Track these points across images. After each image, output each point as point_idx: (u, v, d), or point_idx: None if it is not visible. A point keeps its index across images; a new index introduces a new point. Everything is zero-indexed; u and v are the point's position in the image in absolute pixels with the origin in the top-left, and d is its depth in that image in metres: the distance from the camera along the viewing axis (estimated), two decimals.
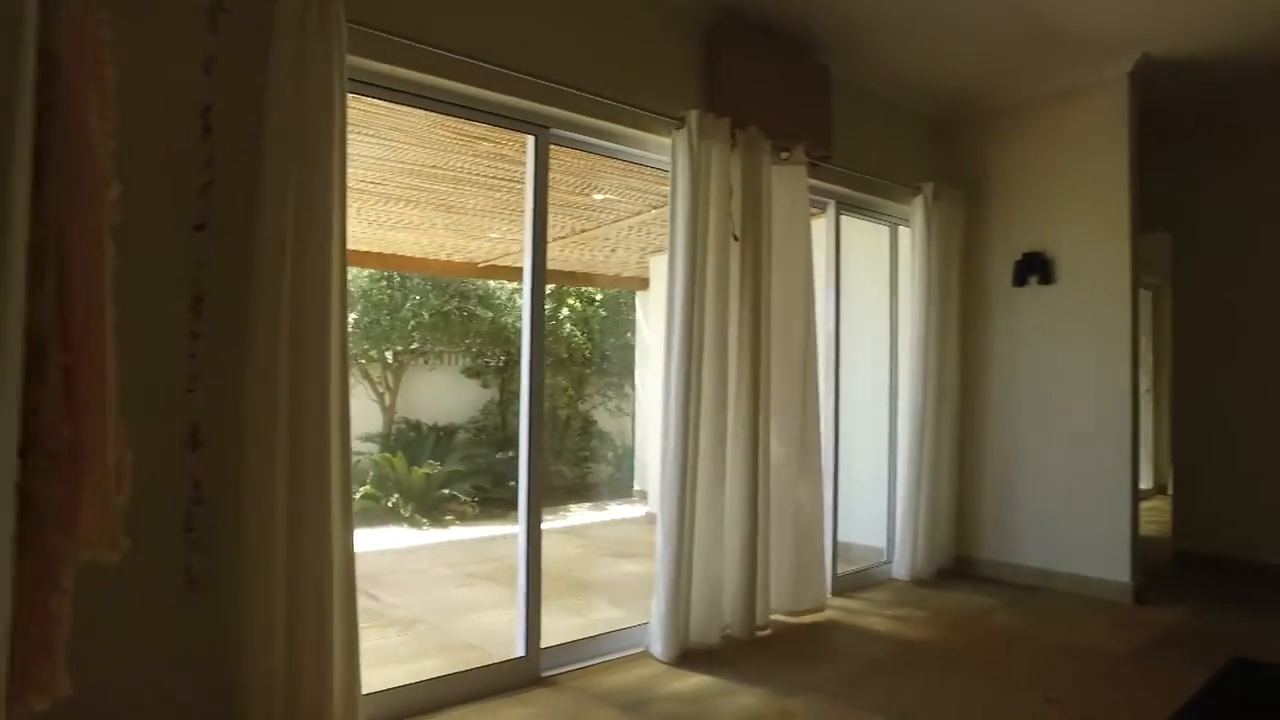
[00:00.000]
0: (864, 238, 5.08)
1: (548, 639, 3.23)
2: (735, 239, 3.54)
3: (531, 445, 3.18)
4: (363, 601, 4.67)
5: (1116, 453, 4.20)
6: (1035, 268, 4.48)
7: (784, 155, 3.83)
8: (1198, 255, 4.99)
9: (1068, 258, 4.42)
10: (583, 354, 9.79)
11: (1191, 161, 5.02)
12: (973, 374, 4.79)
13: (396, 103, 2.92)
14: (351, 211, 5.44)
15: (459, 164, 4.60)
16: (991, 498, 4.69)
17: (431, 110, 2.99)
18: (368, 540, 7.15)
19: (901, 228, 4.88)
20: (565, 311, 9.48)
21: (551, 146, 3.32)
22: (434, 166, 4.64)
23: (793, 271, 3.84)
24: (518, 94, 3.03)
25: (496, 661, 3.13)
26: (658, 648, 3.30)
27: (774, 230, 3.79)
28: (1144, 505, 8.02)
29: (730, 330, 3.52)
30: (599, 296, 9.72)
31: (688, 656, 3.32)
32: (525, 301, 3.19)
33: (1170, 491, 5.16)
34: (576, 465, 9.71)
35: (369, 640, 3.76)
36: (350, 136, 4.10)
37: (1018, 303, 4.61)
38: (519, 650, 3.14)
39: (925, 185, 4.58)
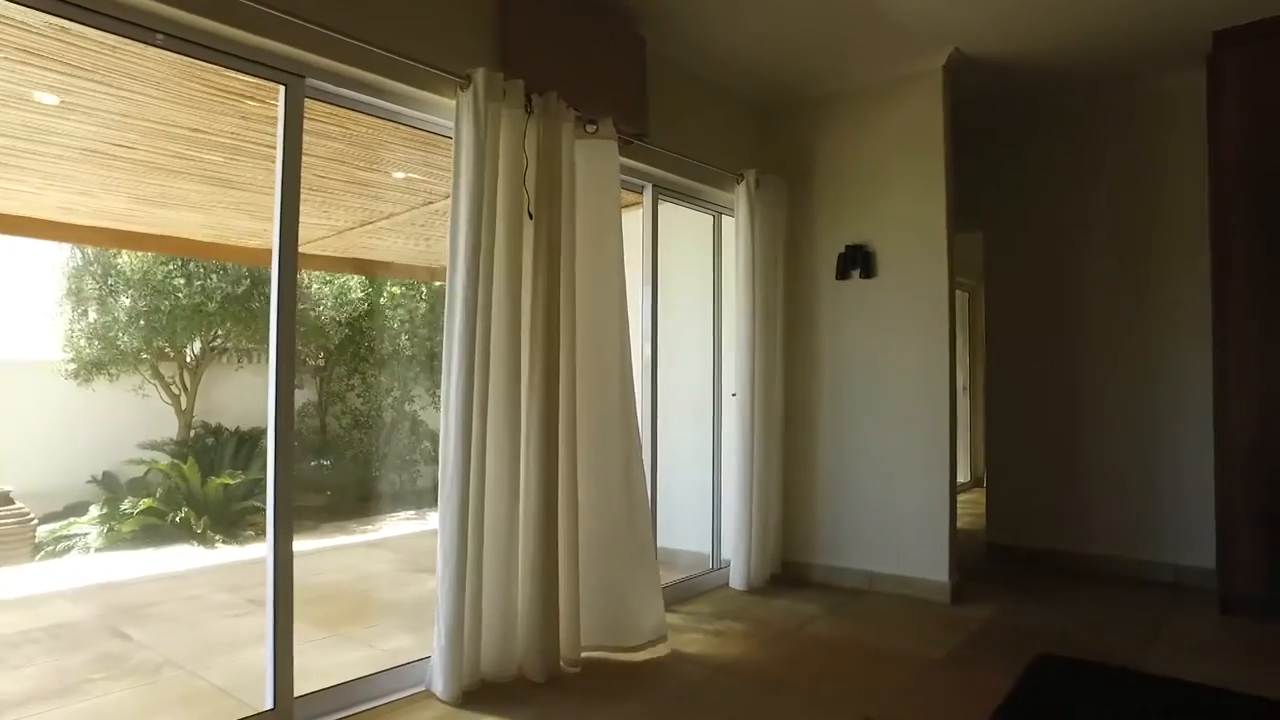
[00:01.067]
0: (688, 227, 4.83)
1: (316, 680, 2.75)
2: (530, 217, 3.14)
3: (278, 457, 2.65)
4: (109, 643, 4.01)
5: (935, 453, 4.13)
6: (858, 261, 4.36)
7: (591, 128, 3.47)
8: (1008, 256, 5.06)
9: (889, 252, 4.32)
10: (407, 351, 9.13)
11: (1003, 164, 5.08)
12: (800, 371, 4.62)
13: (97, 27, 2.32)
14: (102, 180, 4.67)
15: (227, 128, 3.95)
16: (821, 499, 4.53)
17: (152, 44, 2.41)
18: (140, 564, 6.27)
19: (725, 217, 4.65)
20: (386, 304, 8.80)
21: (313, 102, 2.82)
22: (196, 130, 3.96)
23: (603, 258, 3.48)
24: (264, 33, 2.51)
25: (239, 719, 2.59)
26: (439, 685, 2.86)
27: (581, 211, 3.42)
28: (962, 498, 8.30)
29: (525, 320, 3.11)
30: (426, 289, 9.10)
31: (475, 695, 2.89)
32: (273, 288, 2.66)
33: (986, 477, 5.20)
34: (402, 470, 9.04)
35: (88, 698, 3.10)
36: (73, 82, 3.47)
37: (842, 297, 4.48)
38: (267, 701, 2.62)
39: (748, 172, 4.36)
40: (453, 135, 2.95)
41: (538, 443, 3.09)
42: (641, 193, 4.18)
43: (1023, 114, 4.99)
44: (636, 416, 3.53)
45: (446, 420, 2.87)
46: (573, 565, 3.23)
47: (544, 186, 3.17)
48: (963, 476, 8.78)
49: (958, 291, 8.97)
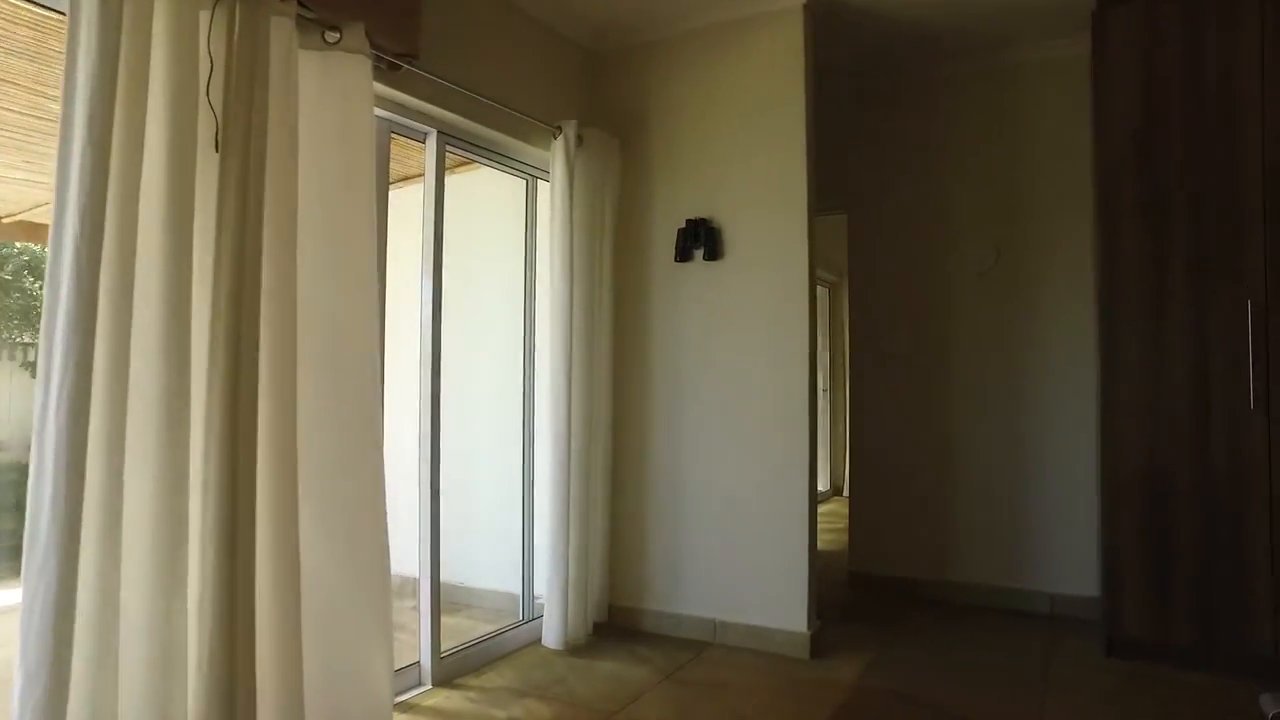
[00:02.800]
0: (497, 194, 3.90)
1: None
2: (216, 149, 2.12)
3: None
4: None
5: (793, 478, 3.38)
6: (701, 238, 3.56)
7: (332, 36, 2.48)
8: (875, 242, 4.42)
9: (738, 229, 3.54)
10: None
11: (871, 138, 4.44)
12: (631, 375, 3.78)
13: None
14: None
15: None
16: (655, 532, 3.70)
17: None
18: None
19: (542, 181, 3.75)
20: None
21: None
22: None
23: (344, 220, 2.50)
24: None
25: None
26: None
27: (312, 152, 2.42)
28: (821, 509, 7.88)
29: (198, 304, 2.08)
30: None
31: None
32: None
33: (849, 495, 4.54)
34: None
35: None
36: None
37: (683, 283, 3.66)
38: None
39: (567, 125, 3.46)
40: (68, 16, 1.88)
41: (216, 478, 2.06)
42: (424, 142, 3.21)
43: (893, 81, 4.36)
44: (379, 439, 2.57)
45: (41, 449, 1.80)
46: (249, 636, 2.23)
47: (239, 108, 2.14)
48: (822, 485, 8.28)
49: (818, 288, 8.51)
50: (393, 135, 3.02)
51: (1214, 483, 3.12)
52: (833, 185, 4.45)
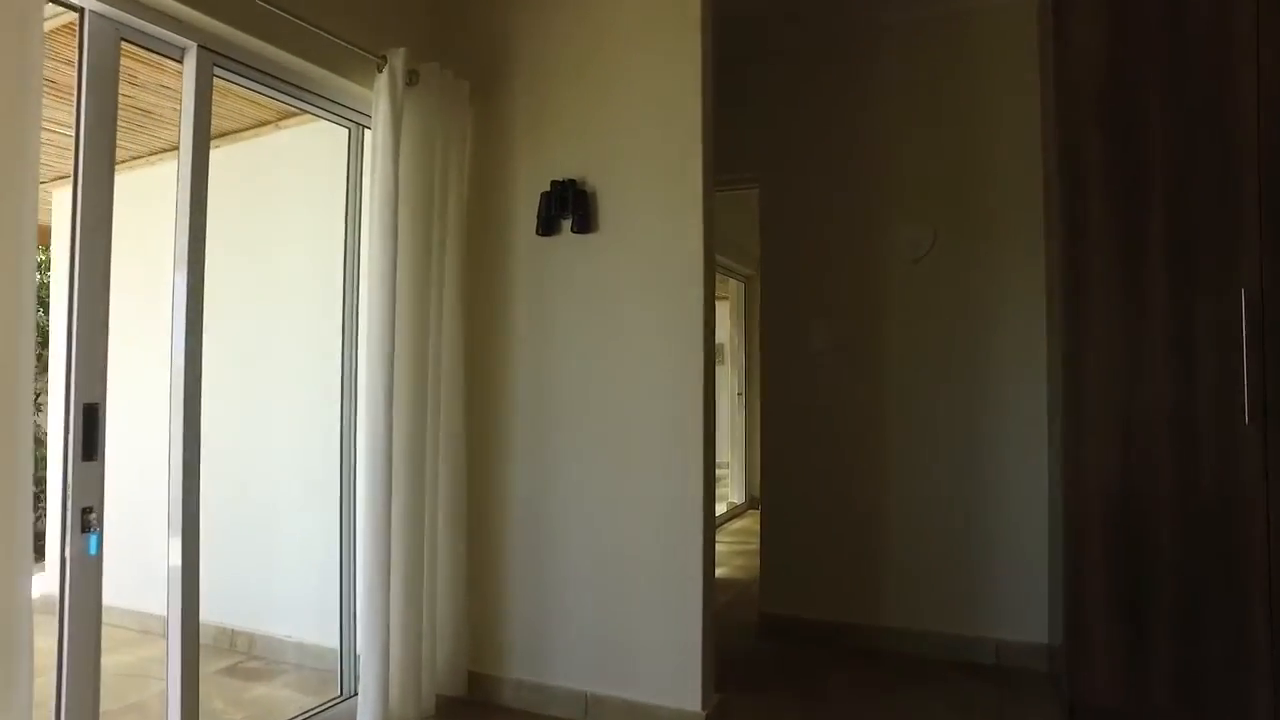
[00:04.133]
0: (311, 148, 3.06)
1: None
2: None
3: None
4: None
5: (686, 522, 2.62)
6: (569, 205, 2.77)
7: None
8: (794, 221, 3.72)
9: (617, 195, 2.78)
10: None
11: (787, 98, 3.75)
12: (491, 382, 2.97)
13: None
14: None
15: None
16: (518, 582, 2.91)
17: None
18: None
19: (369, 131, 2.91)
20: None
21: None
22: None
23: None
24: None
25: None
26: None
27: None
28: (733, 526, 7.12)
29: None
30: None
31: None
32: None
33: (761, 515, 3.84)
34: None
35: None
36: None
37: (547, 263, 2.87)
38: None
39: (394, 54, 2.63)
40: None
41: None
42: (180, 60, 2.34)
43: (819, 30, 3.68)
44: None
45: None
46: None
47: None
48: (737, 497, 7.60)
49: (733, 281, 7.82)
50: (125, 43, 2.14)
51: (1201, 514, 2.51)
52: (744, 151, 3.74)
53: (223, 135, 3.77)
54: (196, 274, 2.28)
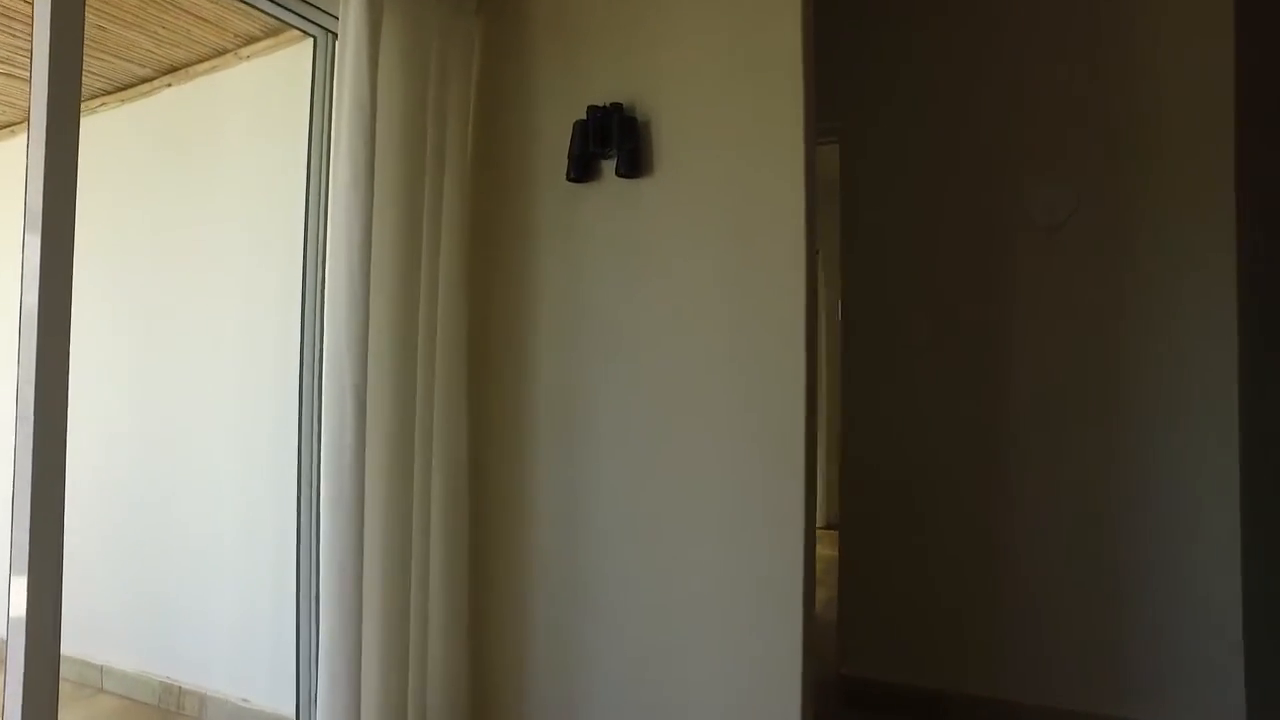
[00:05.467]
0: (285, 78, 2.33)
1: None
2: None
3: None
4: None
5: (773, 593, 1.84)
6: (611, 138, 2.00)
7: None
8: (887, 184, 2.93)
9: (678, 125, 2.00)
10: None
11: (885, 30, 2.97)
12: (494, 390, 2.20)
13: None
14: None
15: None
16: (538, 648, 2.15)
17: None
18: None
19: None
20: None
21: None
22: None
23: None
24: None
25: None
26: None
27: None
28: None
29: None
30: None
31: None
32: None
33: (840, 545, 3.07)
34: None
35: None
36: None
37: (582, 219, 2.10)
38: None
39: None
40: None
41: None
42: None
43: None
44: None
45: None
46: None
47: None
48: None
49: None
50: None
51: None
52: (820, 96, 2.96)
53: (173, 70, 3.05)
54: (60, 234, 1.54)
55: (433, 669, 2.12)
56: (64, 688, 3.52)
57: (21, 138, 3.62)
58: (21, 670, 1.50)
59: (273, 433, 2.58)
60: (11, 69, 3.18)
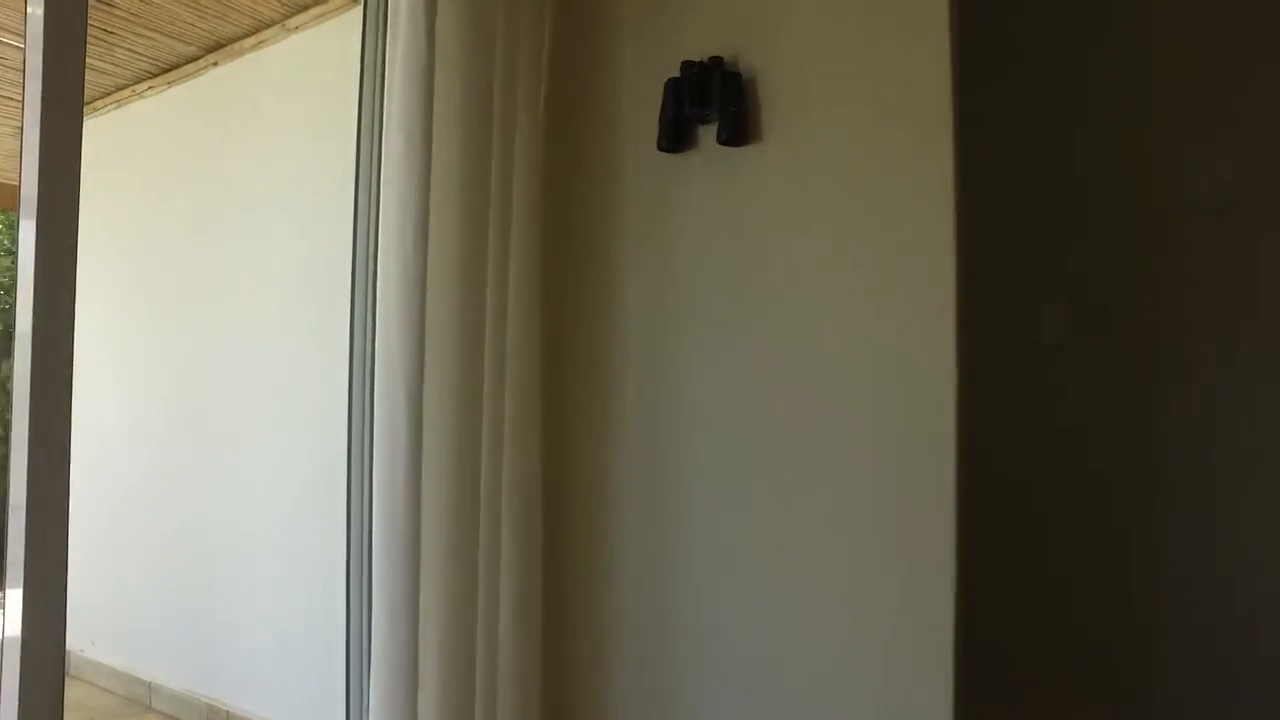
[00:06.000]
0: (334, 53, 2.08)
1: None
2: None
3: None
4: None
5: (915, 646, 1.51)
6: (711, 99, 1.66)
7: None
8: (1013, 149, 2.54)
9: (792, 82, 1.66)
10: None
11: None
12: (573, 398, 1.89)
13: None
14: None
15: None
16: (627, 655, 1.85)
17: None
18: None
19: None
20: None
21: None
22: None
23: None
24: None
25: None
26: None
27: None
28: None
29: None
30: None
31: None
32: None
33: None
34: None
35: None
36: None
37: (676, 195, 1.77)
38: None
39: None
40: None
41: None
42: None
43: None
44: None
45: None
46: None
47: None
48: None
49: None
50: None
51: None
52: None
53: (219, 47, 2.83)
54: (60, 219, 1.28)
55: (502, 714, 1.83)
56: (111, 702, 3.37)
57: (106, 115, 3.44)
58: (16, 698, 1.26)
59: (322, 439, 2.34)
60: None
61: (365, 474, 1.88)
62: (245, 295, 2.73)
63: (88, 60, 2.89)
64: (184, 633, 2.97)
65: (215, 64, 2.84)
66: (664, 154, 1.73)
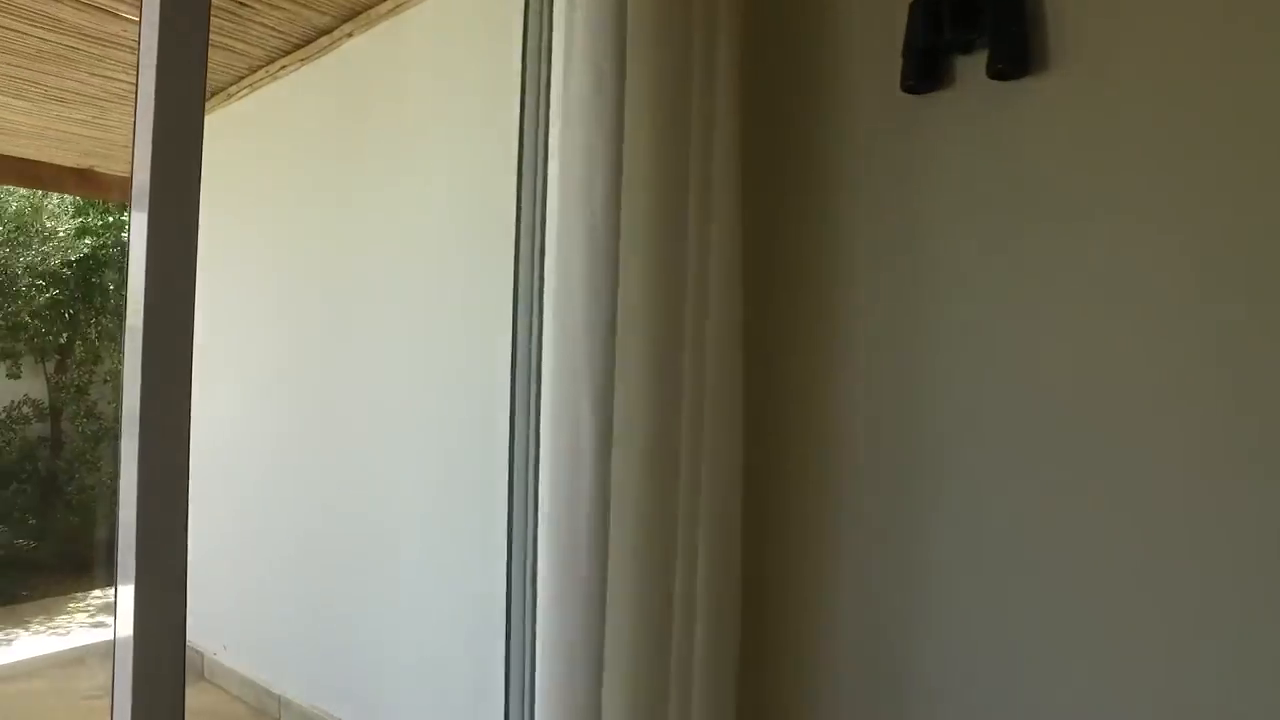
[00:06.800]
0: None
1: None
2: None
3: None
4: None
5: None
6: (974, 19, 1.28)
7: None
8: None
9: None
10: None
11: None
12: (781, 400, 1.54)
13: None
14: None
15: None
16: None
17: None
18: None
19: None
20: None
21: None
22: None
23: None
24: None
25: None
26: None
27: None
28: None
29: None
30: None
31: None
32: None
33: None
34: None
35: None
36: None
37: (925, 149, 1.38)
38: None
39: None
40: None
41: None
42: None
43: None
44: None
45: None
46: None
47: None
48: None
49: None
50: None
51: None
52: None
53: (353, 16, 2.62)
54: (179, 210, 1.02)
55: None
56: (240, 711, 3.24)
57: (238, 104, 3.34)
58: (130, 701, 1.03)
59: (475, 437, 2.08)
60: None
61: (530, 473, 1.59)
62: (390, 280, 2.51)
63: (221, 39, 2.69)
64: (318, 645, 2.79)
65: (350, 35, 2.64)
66: (909, 95, 1.35)
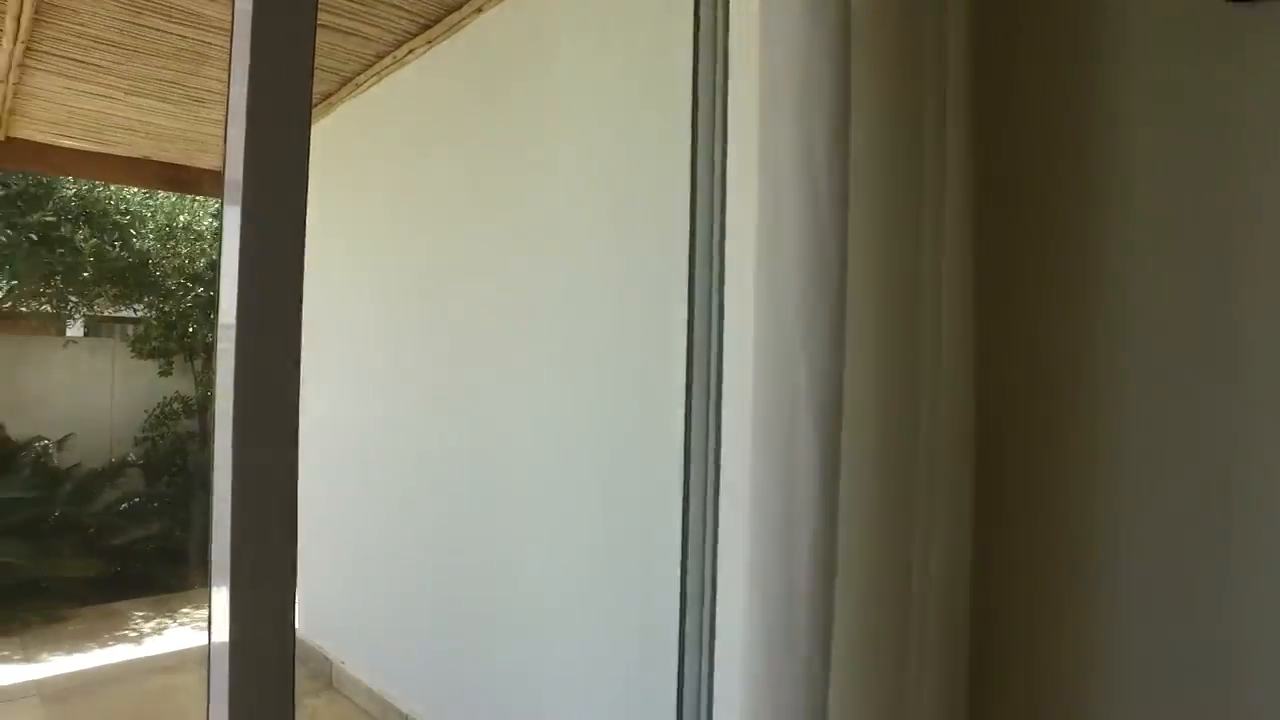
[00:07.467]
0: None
1: None
2: None
3: None
4: None
5: None
6: None
7: None
8: None
9: None
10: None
11: None
12: (1020, 391, 1.19)
13: None
14: None
15: None
16: None
17: None
18: None
19: None
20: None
21: None
22: None
23: None
24: None
25: None
26: None
27: None
28: None
29: None
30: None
31: None
32: None
33: None
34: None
35: None
36: None
37: (1261, 82, 1.01)
38: None
39: None
40: None
41: None
42: None
43: None
44: None
45: None
46: None
47: None
48: None
49: None
50: None
51: None
52: None
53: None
54: (281, 205, 0.79)
55: None
56: None
57: (341, 109, 3.26)
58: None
59: (633, 446, 1.82)
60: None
61: (711, 499, 1.31)
62: (537, 277, 2.28)
63: (349, 27, 2.51)
64: (453, 665, 2.61)
65: (479, 10, 2.43)
66: (1239, 3, 0.98)
